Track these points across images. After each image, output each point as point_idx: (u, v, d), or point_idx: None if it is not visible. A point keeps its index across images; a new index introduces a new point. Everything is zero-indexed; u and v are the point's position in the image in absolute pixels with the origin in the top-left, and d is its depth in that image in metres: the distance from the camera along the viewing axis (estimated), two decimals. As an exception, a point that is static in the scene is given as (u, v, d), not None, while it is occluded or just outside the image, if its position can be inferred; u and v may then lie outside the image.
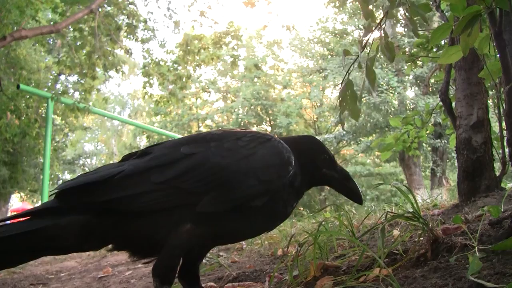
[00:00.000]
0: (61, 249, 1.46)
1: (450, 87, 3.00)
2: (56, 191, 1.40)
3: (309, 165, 1.55)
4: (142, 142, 32.01)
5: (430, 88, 18.22)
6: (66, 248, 1.44)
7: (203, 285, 1.62)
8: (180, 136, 16.24)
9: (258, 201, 1.37)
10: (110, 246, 1.45)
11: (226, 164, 1.36)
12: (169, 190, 1.34)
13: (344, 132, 20.13)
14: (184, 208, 1.34)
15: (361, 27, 24.11)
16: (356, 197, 1.62)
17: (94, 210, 1.35)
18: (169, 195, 1.34)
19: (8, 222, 1.40)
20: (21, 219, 1.39)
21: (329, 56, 25.46)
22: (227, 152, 1.39)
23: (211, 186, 1.34)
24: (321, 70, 25.26)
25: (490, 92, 2.95)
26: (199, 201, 1.32)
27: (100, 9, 9.60)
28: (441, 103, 3.03)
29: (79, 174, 1.56)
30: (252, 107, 26.54)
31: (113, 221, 1.36)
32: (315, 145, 1.64)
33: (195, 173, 1.35)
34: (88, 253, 4.73)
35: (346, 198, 1.67)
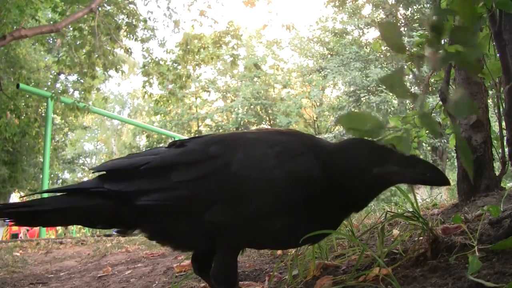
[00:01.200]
0: (95, 225, 1.54)
1: (450, 86, 3.00)
2: (99, 171, 1.43)
3: (347, 178, 1.31)
4: (142, 142, 32.01)
5: (430, 88, 18.23)
6: (97, 225, 1.51)
7: (201, 284, 1.62)
8: (180, 135, 16.27)
9: (276, 222, 1.27)
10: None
11: (245, 175, 1.28)
12: (184, 192, 1.30)
13: (344, 132, 20.14)
14: (200, 213, 1.30)
15: (361, 26, 24.15)
16: (435, 181, 1.28)
17: (120, 197, 1.35)
18: (183, 197, 1.30)
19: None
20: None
21: (329, 56, 25.48)
22: (251, 162, 1.30)
23: (225, 195, 1.28)
24: (321, 70, 25.28)
25: (490, 92, 2.95)
26: (210, 208, 1.28)
27: (100, 9, 9.60)
28: (441, 103, 3.03)
29: (128, 154, 1.60)
30: (252, 106, 26.55)
31: (136, 211, 1.35)
32: (349, 150, 1.36)
33: (213, 179, 1.29)
34: (87, 252, 4.74)
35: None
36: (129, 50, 11.18)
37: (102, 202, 1.35)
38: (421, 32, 4.02)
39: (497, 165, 2.66)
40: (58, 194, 1.43)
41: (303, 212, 1.29)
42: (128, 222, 1.41)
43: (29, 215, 1.39)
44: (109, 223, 1.44)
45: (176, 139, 13.58)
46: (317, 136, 1.68)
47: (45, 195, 1.50)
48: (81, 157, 34.65)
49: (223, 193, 1.28)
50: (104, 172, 1.40)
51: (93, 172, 1.44)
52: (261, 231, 1.30)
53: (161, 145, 26.87)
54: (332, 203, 1.32)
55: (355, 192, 1.32)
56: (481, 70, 1.42)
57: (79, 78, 10.91)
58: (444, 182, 1.25)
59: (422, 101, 1.08)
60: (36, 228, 11.73)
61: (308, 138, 1.43)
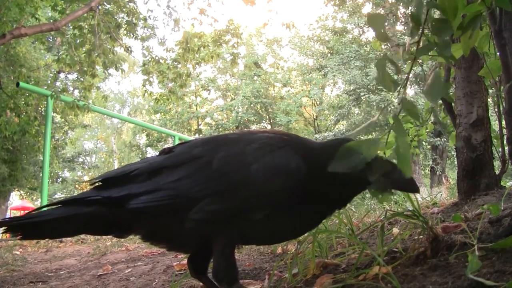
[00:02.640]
0: (92, 233, 1.63)
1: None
2: (95, 182, 1.49)
3: (326, 175, 1.28)
4: (142, 140, 32.03)
5: (430, 87, 18.24)
6: (96, 232, 1.60)
7: (201, 283, 1.62)
8: (180, 134, 16.28)
9: (257, 213, 1.32)
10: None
11: (225, 171, 1.34)
12: (168, 192, 1.35)
13: (344, 130, 20.17)
14: (185, 211, 1.33)
15: (361, 25, 24.14)
16: (407, 188, 1.38)
17: (113, 203, 1.39)
18: (168, 197, 1.35)
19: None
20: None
21: (329, 54, 25.48)
22: (231, 158, 1.36)
23: (207, 192, 1.33)
24: (321, 68, 25.28)
25: (490, 91, 2.95)
26: (194, 205, 1.32)
27: (99, 7, 9.58)
28: (440, 101, 3.03)
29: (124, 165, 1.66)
30: (251, 105, 26.55)
31: (128, 215, 1.39)
32: (332, 149, 1.31)
33: (195, 178, 1.35)
34: (87, 251, 4.74)
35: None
36: (129, 49, 11.16)
37: (98, 209, 1.40)
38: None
39: (497, 164, 2.66)
40: (58, 206, 1.46)
41: (283, 204, 1.34)
42: (123, 226, 1.45)
43: (33, 227, 1.43)
44: (106, 229, 1.49)
45: (176, 137, 13.60)
46: (316, 134, 1.72)
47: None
48: (81, 155, 34.68)
49: (205, 190, 1.33)
50: (100, 183, 1.47)
51: (90, 184, 1.49)
52: (245, 224, 1.35)
53: (160, 143, 26.93)
54: (313, 198, 1.37)
55: (333, 190, 1.38)
56: (454, 59, 1.43)
57: (79, 77, 10.90)
58: (415, 190, 1.37)
59: (402, 92, 1.12)
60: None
61: (289, 136, 1.49)
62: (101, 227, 1.47)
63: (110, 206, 1.39)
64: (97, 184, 1.48)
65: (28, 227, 1.43)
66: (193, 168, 1.37)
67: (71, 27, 10.15)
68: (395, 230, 1.99)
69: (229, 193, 1.32)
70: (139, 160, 1.67)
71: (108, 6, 10.54)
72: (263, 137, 1.42)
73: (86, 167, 35.48)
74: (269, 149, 1.36)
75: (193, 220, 1.32)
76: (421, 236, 1.52)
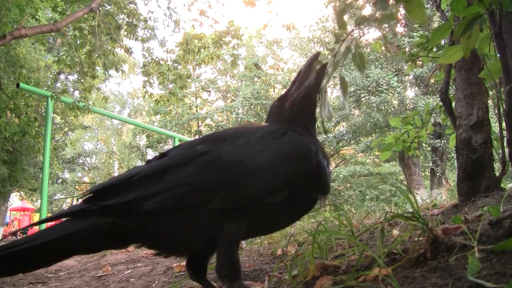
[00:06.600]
0: (89, 250, 1.51)
1: (450, 87, 3.00)
2: (85, 195, 1.42)
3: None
4: (142, 141, 32.04)
5: (430, 88, 18.24)
6: (94, 248, 1.47)
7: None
8: (180, 135, 16.29)
9: (277, 196, 1.34)
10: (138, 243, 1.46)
11: (239, 160, 1.35)
12: (184, 188, 1.33)
13: (344, 132, 20.17)
14: (203, 205, 1.33)
15: (361, 26, 24.14)
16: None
17: (116, 211, 1.35)
18: (184, 193, 1.33)
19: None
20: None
21: (329, 56, 25.47)
22: (240, 148, 1.38)
23: (224, 183, 1.33)
24: (321, 70, 25.23)
25: (490, 92, 2.95)
26: (213, 198, 1.31)
27: (100, 8, 9.58)
28: (441, 103, 3.03)
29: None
30: (252, 106, 26.55)
31: (135, 221, 1.36)
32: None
33: (209, 171, 1.35)
34: (87, 252, 4.74)
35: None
36: (130, 50, 11.16)
37: (97, 221, 1.34)
38: (421, 33, 4.02)
39: (497, 165, 2.66)
40: (44, 229, 1.38)
41: (298, 186, 1.38)
42: (125, 236, 1.40)
43: (15, 257, 1.29)
44: (105, 244, 1.42)
45: (176, 139, 13.59)
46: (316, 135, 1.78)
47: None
48: (81, 156, 34.72)
49: (222, 181, 1.33)
50: (91, 194, 1.40)
51: (77, 200, 1.43)
52: (265, 209, 1.36)
53: (161, 145, 26.93)
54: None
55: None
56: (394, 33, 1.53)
57: (79, 78, 10.87)
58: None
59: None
60: (36, 227, 11.66)
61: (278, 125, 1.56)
62: (100, 242, 1.39)
63: (113, 214, 1.34)
64: (86, 197, 1.40)
65: (10, 257, 1.28)
66: (203, 163, 1.36)
67: (72, 28, 10.13)
68: (395, 232, 1.99)
69: (249, 179, 1.33)
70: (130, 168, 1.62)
71: (109, 7, 10.54)
72: (260, 127, 1.47)
73: (86, 168, 35.52)
74: (274, 136, 1.41)
75: (214, 211, 1.30)
76: (421, 238, 1.52)
